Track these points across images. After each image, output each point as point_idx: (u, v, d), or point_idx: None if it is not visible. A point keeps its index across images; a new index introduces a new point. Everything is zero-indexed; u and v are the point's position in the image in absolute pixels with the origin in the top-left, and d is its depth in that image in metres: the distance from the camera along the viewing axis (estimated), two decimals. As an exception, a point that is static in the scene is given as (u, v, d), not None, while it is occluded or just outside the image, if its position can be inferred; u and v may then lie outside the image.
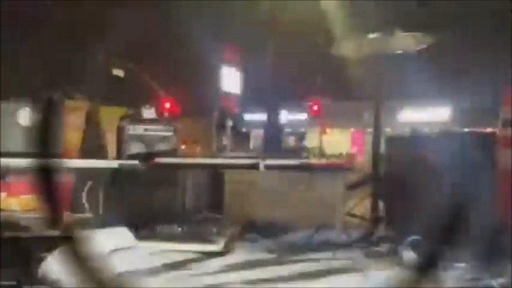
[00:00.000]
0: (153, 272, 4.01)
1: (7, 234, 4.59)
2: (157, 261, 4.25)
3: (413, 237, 4.54)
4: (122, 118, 6.63)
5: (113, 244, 4.33)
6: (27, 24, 9.66)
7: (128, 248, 4.42)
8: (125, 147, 6.30)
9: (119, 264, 3.97)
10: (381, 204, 5.51)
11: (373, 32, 5.55)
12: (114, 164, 5.88)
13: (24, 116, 5.60)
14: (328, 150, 21.33)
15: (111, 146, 6.53)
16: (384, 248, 4.90)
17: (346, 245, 4.99)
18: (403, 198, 5.07)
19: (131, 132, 6.39)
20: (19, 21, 9.30)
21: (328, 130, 26.33)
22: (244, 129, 25.03)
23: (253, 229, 5.38)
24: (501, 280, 3.81)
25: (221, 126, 15.84)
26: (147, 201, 5.59)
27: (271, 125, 17.83)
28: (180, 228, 5.33)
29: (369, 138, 7.64)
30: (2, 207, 5.03)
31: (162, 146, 6.51)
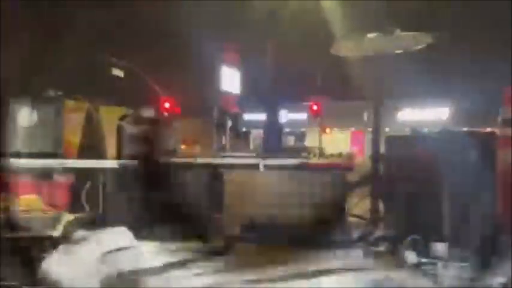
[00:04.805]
0: (153, 272, 4.01)
1: (7, 234, 4.59)
2: (157, 261, 4.25)
3: (413, 237, 4.54)
4: (121, 118, 6.63)
5: (113, 244, 4.33)
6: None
7: (128, 248, 4.42)
8: (125, 147, 6.30)
9: (119, 264, 3.98)
10: (380, 204, 5.51)
11: (373, 32, 5.54)
12: (114, 164, 5.88)
13: (24, 116, 5.60)
14: (328, 150, 21.31)
15: (111, 146, 6.52)
16: (383, 247, 4.90)
17: (346, 245, 4.99)
18: (403, 198, 5.06)
19: (131, 132, 6.39)
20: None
21: (328, 130, 26.34)
22: (244, 129, 25.02)
23: (253, 229, 5.38)
24: (501, 280, 3.82)
25: (221, 126, 15.83)
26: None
27: (271, 125, 17.80)
28: (180, 228, 5.33)
29: (368, 138, 7.64)
30: (3, 207, 5.03)
31: (162, 146, 6.51)
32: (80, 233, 4.53)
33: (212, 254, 4.64)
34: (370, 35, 5.56)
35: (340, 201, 5.87)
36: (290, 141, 26.74)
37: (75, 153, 6.22)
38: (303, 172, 6.05)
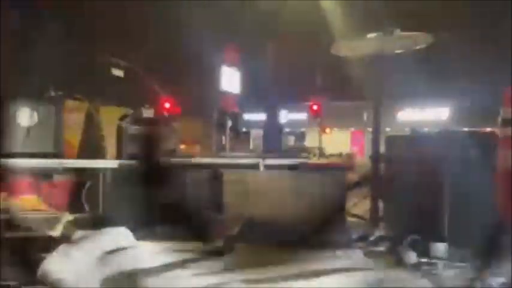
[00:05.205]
0: (153, 272, 4.00)
1: (7, 234, 4.59)
2: (157, 261, 4.25)
3: (413, 237, 4.54)
4: (121, 118, 6.64)
5: (113, 244, 4.33)
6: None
7: (128, 248, 4.42)
8: (125, 147, 6.30)
9: (119, 264, 3.97)
10: (380, 204, 5.51)
11: (373, 32, 5.54)
12: (114, 164, 5.88)
13: (24, 116, 5.60)
14: (328, 150, 21.39)
15: (111, 146, 6.53)
16: (383, 248, 4.90)
17: (346, 245, 4.98)
18: (403, 198, 5.06)
19: (131, 132, 6.39)
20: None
21: (328, 130, 26.37)
22: (244, 129, 25.04)
23: (253, 229, 5.38)
24: (501, 280, 3.82)
25: (221, 126, 15.84)
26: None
27: (271, 125, 17.82)
28: (180, 228, 5.32)
29: (368, 138, 7.64)
30: (2, 207, 5.03)
31: (162, 146, 6.52)
32: (80, 233, 4.53)
33: (212, 254, 4.63)
34: (370, 35, 5.55)
35: (340, 201, 5.87)
36: (290, 141, 26.82)
37: (75, 153, 6.22)
38: (303, 172, 6.06)
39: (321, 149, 20.98)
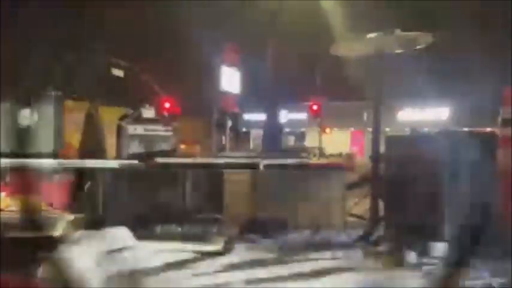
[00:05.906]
0: (153, 272, 4.01)
1: (7, 234, 4.59)
2: (157, 261, 4.25)
3: (414, 237, 4.55)
4: (121, 118, 6.65)
5: (112, 244, 4.33)
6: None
7: (128, 248, 4.42)
8: (125, 147, 6.31)
9: (119, 264, 3.97)
10: (380, 204, 5.51)
11: (373, 32, 5.54)
12: (114, 164, 5.88)
13: (24, 116, 5.61)
14: (328, 150, 21.36)
15: (111, 146, 6.53)
16: (383, 248, 4.90)
17: (346, 245, 4.99)
18: (403, 198, 5.06)
19: (131, 132, 6.40)
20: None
21: (328, 130, 26.35)
22: (244, 129, 25.03)
23: (253, 229, 5.38)
24: (501, 280, 3.82)
25: (221, 126, 15.86)
26: (147, 201, 5.59)
27: (270, 125, 17.80)
28: (180, 228, 5.33)
29: (368, 138, 7.63)
30: (2, 207, 5.03)
31: (162, 146, 6.52)
32: (80, 233, 4.53)
33: (212, 254, 4.64)
34: (370, 35, 5.55)
35: (340, 202, 5.88)
36: (290, 141, 26.80)
37: (75, 153, 6.23)
38: (303, 172, 6.06)
39: (321, 149, 20.95)
